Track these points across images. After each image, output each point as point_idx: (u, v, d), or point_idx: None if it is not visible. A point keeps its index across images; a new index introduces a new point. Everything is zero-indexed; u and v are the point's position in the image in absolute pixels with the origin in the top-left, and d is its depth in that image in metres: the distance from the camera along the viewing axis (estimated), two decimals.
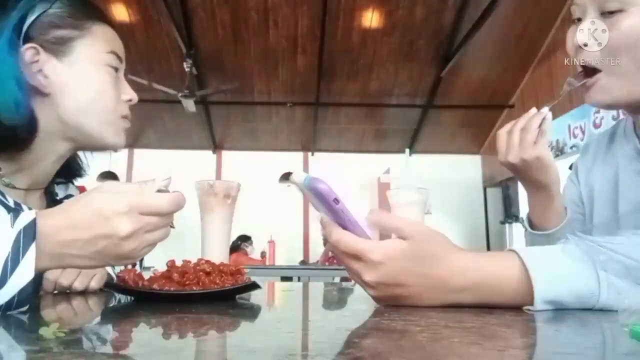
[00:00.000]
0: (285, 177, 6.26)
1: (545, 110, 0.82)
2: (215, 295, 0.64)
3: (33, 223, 0.50)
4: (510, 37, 6.00)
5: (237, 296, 0.69)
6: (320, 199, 0.53)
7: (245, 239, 6.20)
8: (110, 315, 0.62)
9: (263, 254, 6.51)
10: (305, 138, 7.71)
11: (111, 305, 0.70)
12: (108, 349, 0.37)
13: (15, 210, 0.73)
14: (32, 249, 0.49)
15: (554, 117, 0.85)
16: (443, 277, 0.53)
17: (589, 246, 0.53)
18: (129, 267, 0.72)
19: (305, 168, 7.92)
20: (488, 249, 7.28)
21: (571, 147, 5.36)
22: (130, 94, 0.85)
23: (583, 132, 5.18)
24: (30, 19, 0.73)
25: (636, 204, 0.80)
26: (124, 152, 7.65)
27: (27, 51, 0.72)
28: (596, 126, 4.93)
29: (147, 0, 5.30)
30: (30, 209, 0.75)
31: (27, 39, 0.73)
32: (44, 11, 0.74)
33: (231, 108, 7.10)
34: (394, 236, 0.55)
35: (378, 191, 7.17)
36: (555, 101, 0.84)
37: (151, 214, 0.54)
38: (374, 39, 6.07)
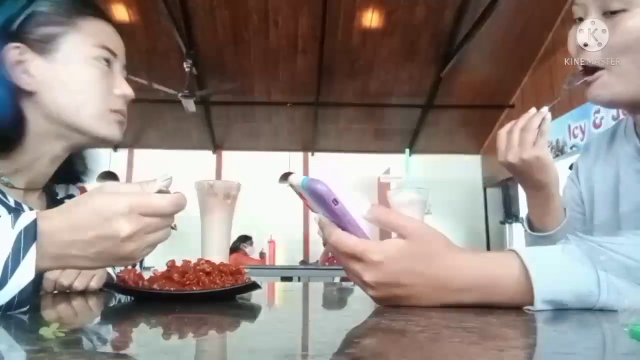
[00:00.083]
0: (285, 177, 6.25)
1: (545, 110, 0.82)
2: (215, 295, 0.64)
3: (34, 224, 0.50)
4: (510, 37, 6.00)
5: (237, 296, 0.69)
6: (319, 200, 0.53)
7: (244, 239, 6.20)
8: (110, 315, 0.62)
9: (262, 254, 6.51)
10: (305, 138, 7.71)
11: (111, 305, 0.69)
12: (108, 349, 0.37)
13: (15, 211, 0.73)
14: (33, 250, 0.49)
15: (554, 117, 0.85)
16: (443, 277, 0.53)
17: (589, 246, 0.53)
18: (129, 267, 0.72)
19: (305, 168, 7.93)
20: (488, 249, 7.28)
21: (571, 147, 5.35)
22: (123, 89, 0.82)
23: (583, 132, 5.18)
24: (17, 18, 0.72)
25: (637, 203, 0.80)
26: (124, 152, 7.66)
27: (12, 51, 0.72)
28: (596, 126, 4.93)
29: (147, 0, 5.30)
30: (30, 209, 0.75)
31: (13, 38, 0.72)
32: (31, 10, 0.74)
33: (231, 108, 7.10)
34: (394, 235, 0.55)
35: (378, 191, 7.17)
36: (555, 100, 0.84)
37: (152, 214, 0.54)
38: (374, 39, 6.07)
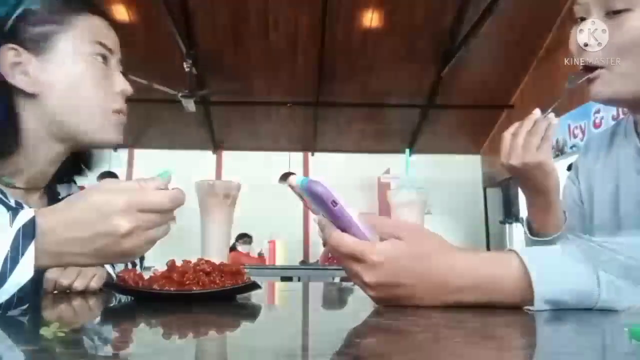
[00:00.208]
0: (285, 177, 6.25)
1: (552, 116, 0.81)
2: (215, 295, 0.64)
3: (32, 221, 0.50)
4: (510, 37, 6.00)
5: (237, 296, 0.69)
6: (319, 201, 0.53)
7: (242, 236, 6.19)
8: (110, 315, 0.62)
9: (260, 254, 6.50)
10: (305, 138, 7.71)
11: (111, 305, 0.69)
12: (108, 349, 0.37)
13: (15, 210, 0.73)
14: (32, 248, 0.49)
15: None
16: (443, 277, 0.53)
17: (589, 246, 0.53)
18: (129, 267, 0.72)
19: (305, 168, 7.93)
20: (488, 249, 7.28)
21: (571, 147, 5.35)
22: (122, 85, 0.81)
23: (583, 132, 5.17)
24: (9, 19, 0.72)
25: (637, 204, 0.80)
26: (124, 152, 7.65)
27: (9, 52, 0.71)
28: (596, 126, 4.93)
29: (147, 0, 5.30)
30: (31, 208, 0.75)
31: (7, 39, 0.72)
32: (22, 9, 0.73)
33: (231, 108, 7.10)
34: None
35: (378, 191, 7.18)
36: (557, 102, 0.83)
37: (151, 211, 0.54)
38: (374, 39, 6.07)
